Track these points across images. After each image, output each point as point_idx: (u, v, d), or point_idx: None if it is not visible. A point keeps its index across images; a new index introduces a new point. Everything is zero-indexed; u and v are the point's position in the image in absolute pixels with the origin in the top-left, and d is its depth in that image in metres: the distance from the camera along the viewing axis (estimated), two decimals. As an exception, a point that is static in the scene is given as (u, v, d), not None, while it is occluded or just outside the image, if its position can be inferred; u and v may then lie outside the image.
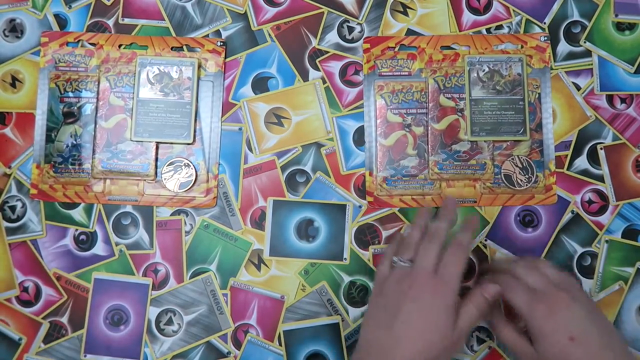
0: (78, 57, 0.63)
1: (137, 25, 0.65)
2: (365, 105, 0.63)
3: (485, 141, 0.62)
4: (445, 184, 0.63)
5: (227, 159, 0.64)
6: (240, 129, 0.64)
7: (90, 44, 0.64)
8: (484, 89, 0.61)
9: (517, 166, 0.62)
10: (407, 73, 0.63)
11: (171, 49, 0.64)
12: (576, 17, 0.65)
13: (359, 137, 0.64)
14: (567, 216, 0.63)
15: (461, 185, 0.63)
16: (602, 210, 0.64)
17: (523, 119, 0.61)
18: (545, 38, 0.63)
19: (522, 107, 0.61)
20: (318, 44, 0.65)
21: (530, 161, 0.62)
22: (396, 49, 0.63)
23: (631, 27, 0.65)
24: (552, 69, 0.65)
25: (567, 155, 0.64)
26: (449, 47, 0.64)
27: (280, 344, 0.62)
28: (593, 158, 0.64)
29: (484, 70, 0.61)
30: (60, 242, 0.63)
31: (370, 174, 0.63)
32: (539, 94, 0.63)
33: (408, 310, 0.50)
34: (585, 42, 0.65)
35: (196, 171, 0.63)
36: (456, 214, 0.59)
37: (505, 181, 0.62)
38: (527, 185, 0.62)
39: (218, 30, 0.65)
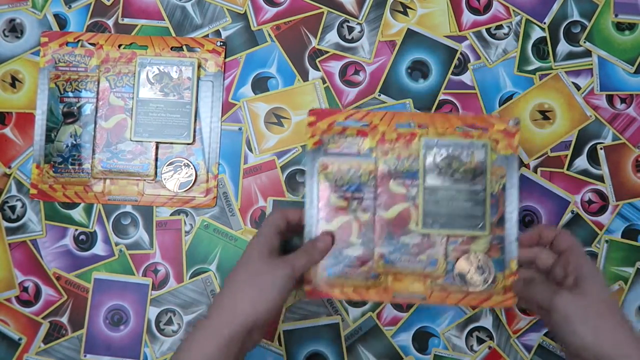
0: (78, 57, 0.63)
1: (137, 25, 0.65)
2: (307, 184, 0.56)
3: (438, 234, 0.55)
4: (392, 277, 0.56)
5: (227, 159, 0.64)
6: (240, 129, 0.64)
7: (90, 44, 0.64)
8: (441, 176, 0.55)
9: (473, 265, 0.55)
10: (355, 152, 0.56)
11: (171, 49, 0.64)
12: (576, 17, 0.65)
13: (359, 137, 0.64)
14: (567, 216, 0.63)
15: (410, 280, 0.56)
16: (602, 210, 0.64)
17: (483, 212, 0.55)
18: (515, 122, 0.55)
19: (482, 198, 0.55)
20: (318, 44, 0.65)
21: (488, 260, 0.55)
22: (344, 126, 0.56)
23: (631, 27, 0.65)
24: (552, 68, 0.65)
25: (567, 155, 0.64)
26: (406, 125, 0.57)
27: (280, 344, 0.62)
28: (593, 158, 0.64)
29: (442, 155, 0.54)
30: (60, 242, 0.63)
31: None
32: (504, 184, 0.55)
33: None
34: (585, 42, 0.65)
35: (196, 171, 0.63)
36: None
37: (458, 280, 0.55)
38: (483, 286, 0.55)
39: (218, 30, 0.65)
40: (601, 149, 0.64)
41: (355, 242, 0.56)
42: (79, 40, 0.64)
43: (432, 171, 0.55)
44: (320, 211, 0.56)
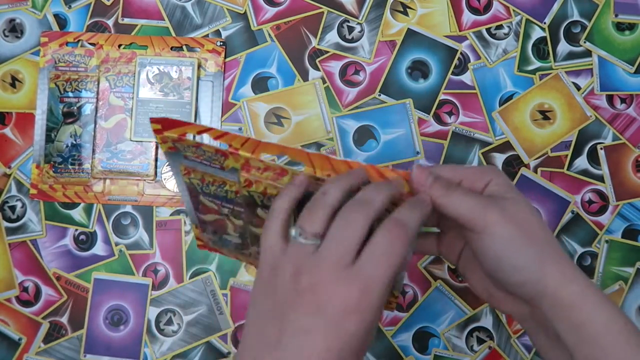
0: (78, 57, 0.63)
1: (136, 25, 0.65)
2: (176, 181, 0.48)
3: None
4: None
5: (227, 159, 0.64)
6: (240, 129, 0.64)
7: (90, 44, 0.64)
8: None
9: None
10: (218, 166, 0.44)
11: (171, 48, 0.64)
12: (576, 17, 0.65)
13: (359, 137, 0.64)
14: (567, 216, 0.63)
15: None
16: (602, 210, 0.64)
17: None
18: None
19: None
20: (318, 44, 0.65)
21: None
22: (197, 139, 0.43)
23: (631, 27, 0.65)
24: (552, 68, 0.65)
25: (567, 155, 0.64)
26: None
27: (280, 344, 0.62)
28: (593, 158, 0.64)
29: None
30: (60, 242, 0.63)
31: None
32: None
33: (301, 326, 0.34)
34: (585, 42, 0.65)
35: (196, 171, 0.63)
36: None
37: None
38: None
39: (218, 30, 0.65)
40: (601, 149, 0.64)
41: (233, 234, 0.49)
42: (79, 40, 0.64)
43: None
44: (193, 203, 0.48)
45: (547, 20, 0.65)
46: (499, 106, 0.64)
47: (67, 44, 0.64)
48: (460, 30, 0.65)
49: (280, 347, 0.34)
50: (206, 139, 0.43)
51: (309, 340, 0.33)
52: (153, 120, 0.43)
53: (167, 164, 0.48)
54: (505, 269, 0.38)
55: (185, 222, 0.63)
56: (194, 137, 0.43)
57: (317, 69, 0.65)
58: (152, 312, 0.62)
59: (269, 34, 0.65)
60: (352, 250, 0.34)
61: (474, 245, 0.39)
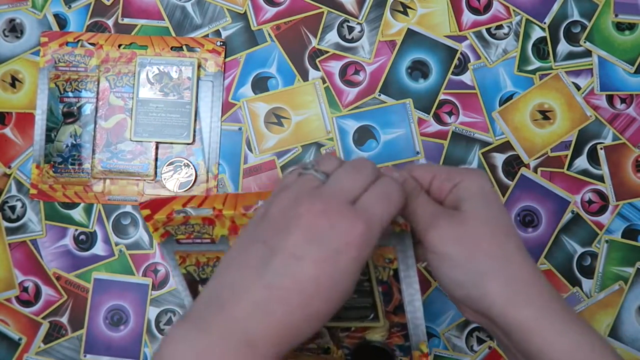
0: (78, 57, 0.63)
1: (136, 25, 0.65)
2: (174, 276, 0.47)
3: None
4: None
5: (227, 159, 0.64)
6: (240, 128, 0.64)
7: (89, 44, 0.64)
8: None
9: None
10: (209, 241, 0.44)
11: (171, 48, 0.64)
12: (576, 17, 0.65)
13: (359, 137, 0.64)
14: (567, 216, 0.63)
15: None
16: (602, 210, 0.64)
17: (372, 303, 0.43)
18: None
19: (368, 289, 0.43)
20: (318, 44, 0.65)
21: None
22: (179, 214, 0.43)
23: (631, 27, 0.65)
24: (552, 68, 0.65)
25: (567, 155, 0.64)
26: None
27: (280, 344, 0.62)
28: (593, 158, 0.64)
29: None
30: (60, 242, 0.63)
31: None
32: (395, 269, 0.41)
33: (293, 252, 0.32)
34: (585, 42, 0.65)
35: (196, 171, 0.63)
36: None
37: None
38: None
39: (218, 30, 0.65)
40: (601, 149, 0.64)
41: None
42: (78, 40, 0.64)
43: None
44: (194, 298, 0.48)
45: (547, 20, 0.65)
46: (499, 106, 0.64)
47: (67, 44, 0.64)
48: (460, 30, 0.65)
49: (267, 271, 0.32)
50: (191, 210, 0.44)
51: (298, 267, 0.32)
52: (142, 206, 0.43)
53: (162, 253, 0.47)
54: (448, 284, 0.37)
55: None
56: (180, 212, 0.44)
57: (317, 69, 0.65)
58: (152, 312, 0.62)
59: (269, 34, 0.65)
60: (356, 190, 0.34)
61: (423, 257, 0.39)
